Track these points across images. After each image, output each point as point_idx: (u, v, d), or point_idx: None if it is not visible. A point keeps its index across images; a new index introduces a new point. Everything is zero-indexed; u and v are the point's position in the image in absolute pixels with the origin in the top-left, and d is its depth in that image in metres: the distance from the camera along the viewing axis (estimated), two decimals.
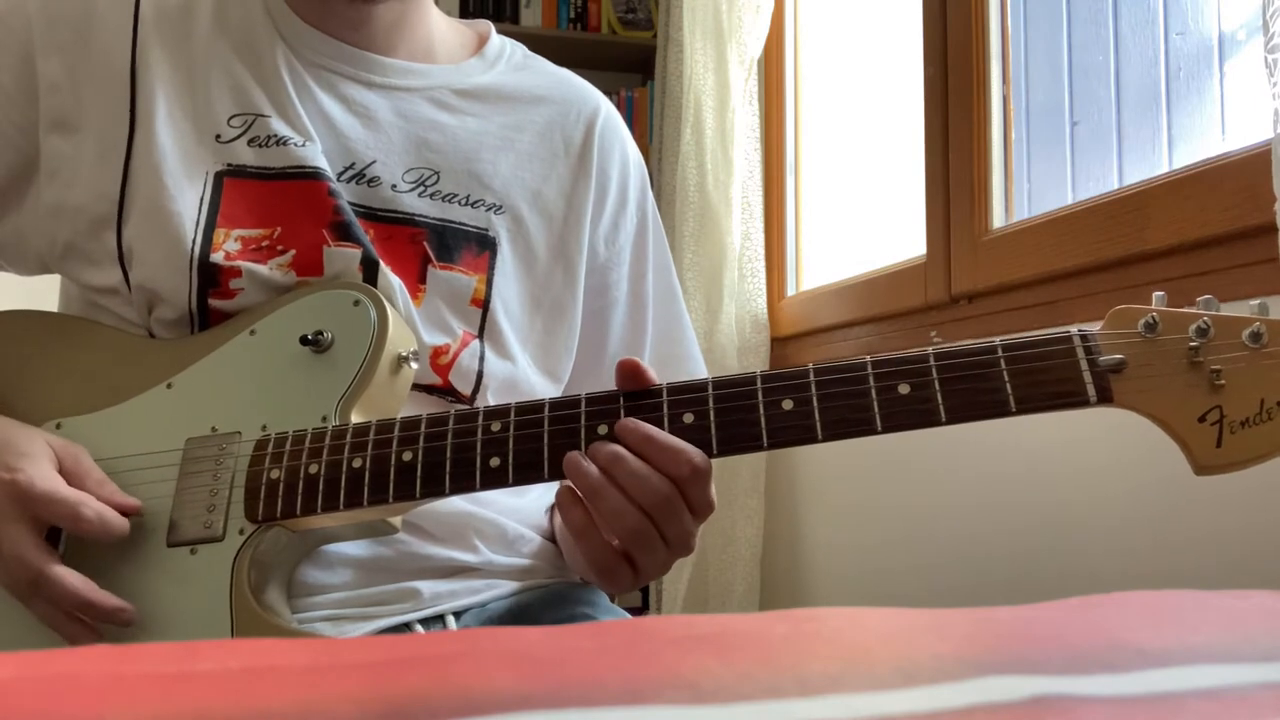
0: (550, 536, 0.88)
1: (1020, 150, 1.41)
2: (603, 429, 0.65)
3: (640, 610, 2.30)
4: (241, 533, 0.68)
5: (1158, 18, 1.22)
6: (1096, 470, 1.09)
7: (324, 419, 0.70)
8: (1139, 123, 1.24)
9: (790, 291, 2.05)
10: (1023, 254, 1.25)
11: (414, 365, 0.74)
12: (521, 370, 0.83)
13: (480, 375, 0.80)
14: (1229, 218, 0.95)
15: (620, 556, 0.66)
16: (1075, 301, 1.16)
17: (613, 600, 0.90)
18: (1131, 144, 1.25)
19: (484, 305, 0.82)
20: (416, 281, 0.80)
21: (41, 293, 0.89)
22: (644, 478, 0.63)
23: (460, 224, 0.82)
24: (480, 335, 0.81)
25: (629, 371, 0.65)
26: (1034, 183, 1.40)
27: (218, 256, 0.75)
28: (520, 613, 0.82)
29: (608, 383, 0.91)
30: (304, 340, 0.72)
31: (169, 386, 0.75)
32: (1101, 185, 1.28)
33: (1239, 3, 1.10)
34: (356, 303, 0.73)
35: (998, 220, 1.39)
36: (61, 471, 0.68)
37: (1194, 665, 0.31)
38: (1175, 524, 0.99)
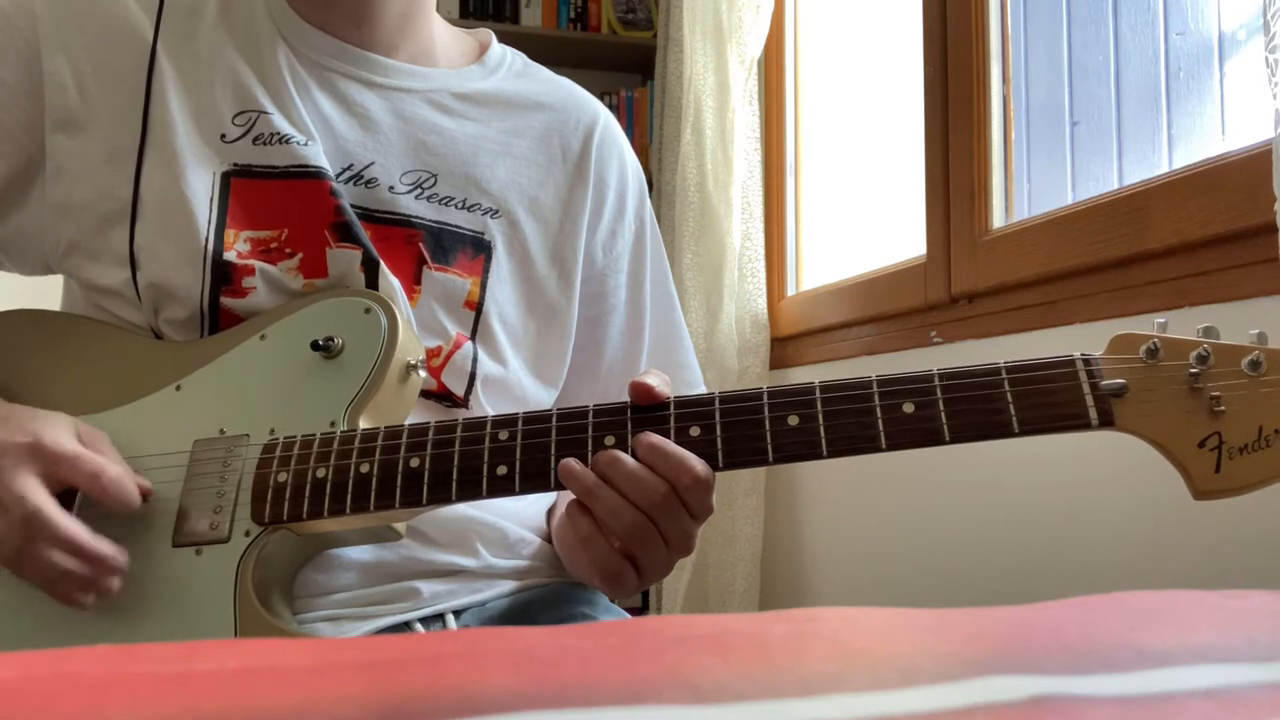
0: (549, 538, 0.88)
1: (1020, 150, 1.41)
2: (609, 440, 0.65)
3: (640, 610, 2.30)
4: (247, 535, 0.68)
5: (1158, 18, 1.22)
6: (1098, 477, 1.09)
7: (332, 424, 0.71)
8: (1139, 123, 1.24)
9: (790, 291, 2.05)
10: (1023, 254, 1.25)
11: (422, 373, 0.75)
12: (514, 374, 0.84)
13: (473, 376, 0.81)
14: (1229, 218, 0.95)
15: (624, 559, 0.67)
16: (1075, 301, 1.16)
17: (613, 601, 0.90)
18: (1131, 144, 1.25)
19: (478, 308, 0.82)
20: (411, 283, 0.80)
21: (44, 293, 0.89)
22: (641, 478, 0.63)
23: (456, 227, 0.83)
24: (473, 337, 0.81)
25: (640, 393, 0.66)
26: (1034, 183, 1.40)
27: (230, 255, 0.76)
28: (520, 612, 0.82)
29: (604, 390, 0.92)
30: (315, 345, 0.73)
31: (178, 389, 0.75)
32: (1101, 185, 1.28)
33: (1239, 3, 1.10)
34: (368, 310, 0.74)
35: (998, 220, 1.38)
36: (81, 444, 0.68)
37: (1194, 665, 0.31)
38: (1175, 534, 0.99)
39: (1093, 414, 0.60)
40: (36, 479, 0.65)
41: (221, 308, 0.76)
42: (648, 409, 0.66)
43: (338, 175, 0.80)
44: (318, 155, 0.79)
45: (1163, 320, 0.62)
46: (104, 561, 0.65)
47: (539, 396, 0.87)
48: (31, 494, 0.64)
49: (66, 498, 0.68)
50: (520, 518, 0.85)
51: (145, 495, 0.69)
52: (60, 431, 0.67)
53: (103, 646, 0.29)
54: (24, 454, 0.65)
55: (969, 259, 1.37)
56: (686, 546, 0.67)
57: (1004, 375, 0.61)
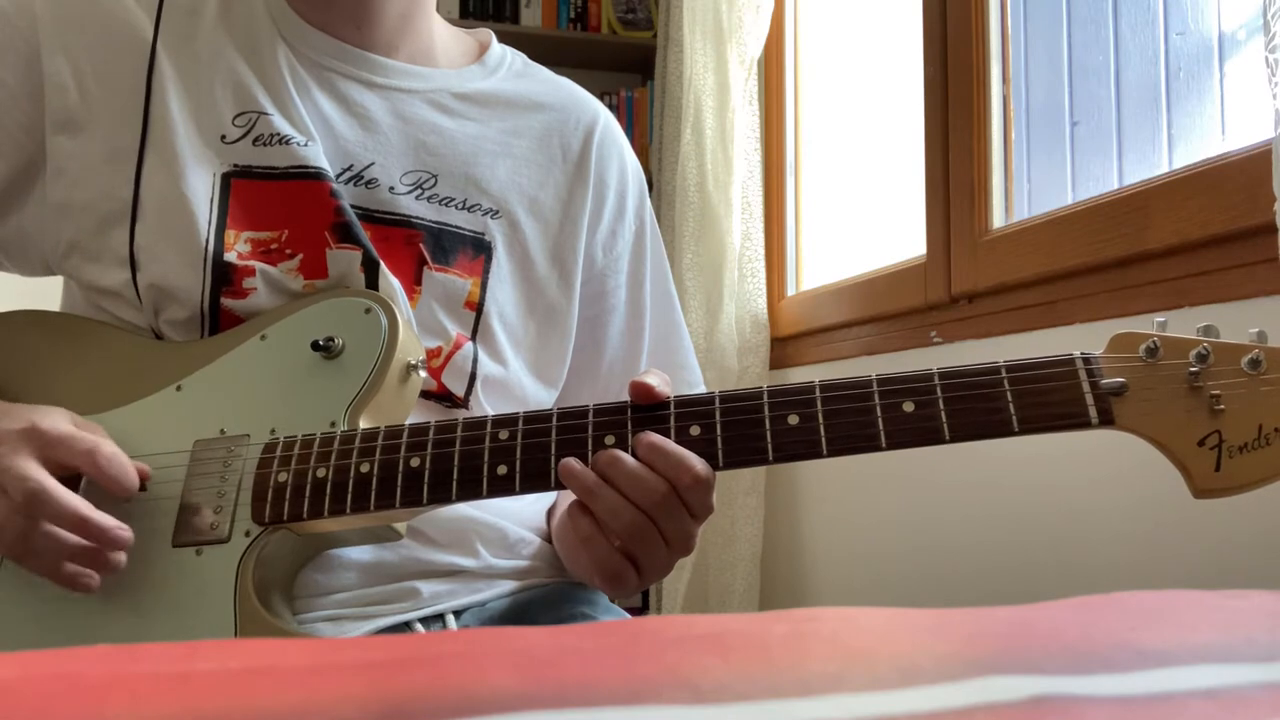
0: (549, 538, 0.88)
1: (1020, 150, 1.41)
2: (610, 440, 0.65)
3: (640, 610, 2.30)
4: (247, 535, 0.68)
5: (1158, 18, 1.22)
6: (1098, 477, 1.09)
7: (333, 424, 0.71)
8: (1139, 123, 1.24)
9: (790, 291, 2.05)
10: (1023, 254, 1.25)
11: (422, 374, 0.75)
12: (514, 374, 0.84)
13: (473, 376, 0.81)
14: (1229, 218, 0.95)
15: (624, 559, 0.67)
16: (1075, 301, 1.16)
17: (613, 600, 0.90)
18: (1131, 144, 1.25)
19: (478, 308, 0.82)
20: (412, 283, 0.80)
21: (44, 293, 0.89)
22: (641, 478, 0.63)
23: (456, 227, 0.83)
24: (473, 338, 0.81)
25: (640, 393, 0.66)
26: (1034, 183, 1.40)
27: (230, 256, 0.76)
28: (520, 612, 0.82)
29: (604, 390, 0.92)
30: (315, 346, 0.73)
31: (178, 389, 0.75)
32: (1101, 185, 1.28)
33: (1239, 3, 1.10)
34: (368, 310, 0.74)
35: (998, 220, 1.38)
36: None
37: (1194, 665, 0.31)
38: (1175, 534, 0.99)
39: (1092, 413, 0.60)
40: (35, 461, 0.65)
41: (222, 308, 0.76)
42: (648, 408, 0.66)
43: (338, 176, 0.80)
44: (318, 156, 0.79)
45: (1162, 319, 0.62)
46: (108, 533, 0.64)
47: (539, 396, 0.87)
48: (32, 473, 0.64)
49: (70, 484, 0.68)
50: (520, 518, 0.85)
51: (144, 480, 0.69)
52: (56, 417, 0.68)
53: (103, 646, 0.29)
54: (21, 439, 0.65)
55: (969, 259, 1.37)
56: (686, 546, 0.67)
57: (1004, 374, 0.61)
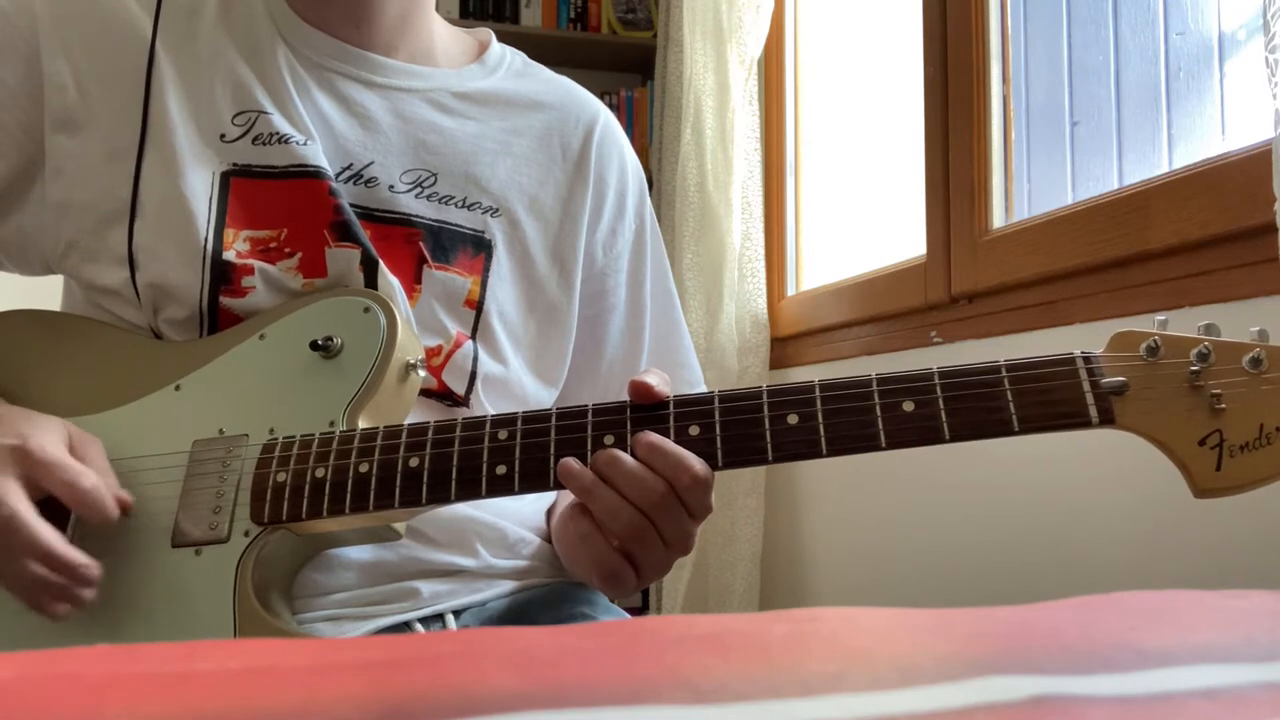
0: (549, 538, 0.88)
1: (1020, 150, 1.41)
2: (609, 439, 0.65)
3: (640, 610, 2.30)
4: (246, 535, 0.68)
5: (1158, 18, 1.22)
6: (1098, 477, 1.09)
7: (331, 424, 0.70)
8: (1139, 123, 1.24)
9: (790, 291, 2.05)
10: (1023, 254, 1.25)
11: (421, 373, 0.75)
12: (514, 373, 0.84)
13: (473, 375, 0.81)
14: (1229, 218, 0.95)
15: (622, 559, 0.67)
16: (1075, 301, 1.16)
17: (612, 600, 0.90)
18: (1131, 144, 1.25)
19: (478, 307, 0.82)
20: (412, 282, 0.80)
21: (44, 293, 0.89)
22: (639, 478, 0.63)
23: (456, 226, 0.83)
24: (474, 336, 0.81)
25: (639, 393, 0.66)
26: (1034, 183, 1.40)
27: (229, 255, 0.76)
28: (519, 612, 0.82)
29: (604, 389, 0.92)
30: (314, 345, 0.73)
31: (177, 389, 0.75)
32: (1101, 185, 1.28)
33: (1239, 3, 1.10)
34: (367, 310, 0.74)
35: (998, 220, 1.39)
36: (70, 451, 0.68)
37: (1194, 665, 0.31)
38: (1175, 534, 0.99)
39: (1093, 412, 0.59)
40: (17, 483, 0.64)
41: (221, 307, 0.76)
42: (647, 408, 0.66)
43: (337, 175, 0.80)
44: (317, 155, 0.79)
45: (1163, 318, 0.62)
46: (75, 570, 0.63)
47: (539, 396, 0.87)
48: (9, 499, 0.63)
49: (63, 505, 0.67)
50: (520, 517, 0.85)
51: (125, 509, 0.68)
52: (48, 436, 0.67)
53: (103, 646, 0.29)
54: (8, 457, 0.65)
55: (969, 259, 1.37)
56: (685, 546, 0.67)
57: (1004, 373, 0.61)
